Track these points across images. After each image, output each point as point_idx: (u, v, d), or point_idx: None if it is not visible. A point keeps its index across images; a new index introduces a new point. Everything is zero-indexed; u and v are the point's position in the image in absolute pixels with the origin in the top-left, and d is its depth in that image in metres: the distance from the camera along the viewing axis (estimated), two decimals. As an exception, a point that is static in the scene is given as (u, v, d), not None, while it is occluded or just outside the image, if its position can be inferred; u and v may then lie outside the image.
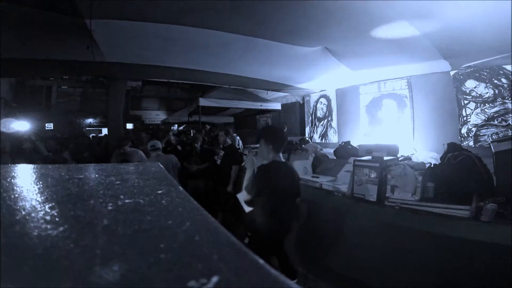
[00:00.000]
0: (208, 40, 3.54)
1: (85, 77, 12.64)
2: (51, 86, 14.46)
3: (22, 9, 2.65)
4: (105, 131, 10.17)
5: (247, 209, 2.18)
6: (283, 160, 2.05)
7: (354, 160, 2.38)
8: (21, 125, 3.88)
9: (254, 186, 1.89)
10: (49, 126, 13.27)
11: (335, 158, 3.67)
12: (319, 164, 3.30)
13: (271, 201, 1.89)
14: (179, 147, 4.44)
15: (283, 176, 1.94)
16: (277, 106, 7.91)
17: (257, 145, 2.10)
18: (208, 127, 7.42)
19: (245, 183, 2.02)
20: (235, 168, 3.33)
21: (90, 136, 9.42)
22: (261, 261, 0.26)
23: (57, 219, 0.35)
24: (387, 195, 2.09)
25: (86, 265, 0.24)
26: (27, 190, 0.49)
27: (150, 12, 2.86)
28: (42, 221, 0.34)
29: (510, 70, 3.61)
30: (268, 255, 2.01)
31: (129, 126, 14.07)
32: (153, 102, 17.27)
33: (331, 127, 6.52)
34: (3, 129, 3.44)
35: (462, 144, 3.69)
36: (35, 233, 0.30)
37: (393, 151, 2.72)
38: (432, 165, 2.18)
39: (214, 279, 0.22)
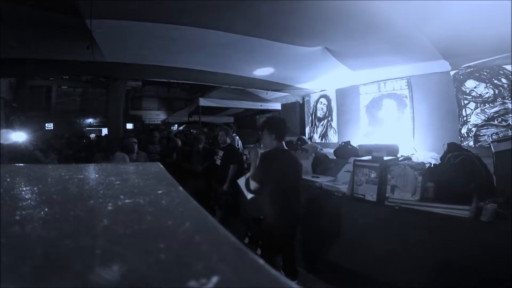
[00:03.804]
0: (208, 40, 3.54)
1: (85, 77, 12.65)
2: (51, 86, 14.47)
3: (22, 9, 2.65)
4: (105, 131, 10.17)
5: (249, 196, 2.20)
6: (285, 147, 2.09)
7: (354, 160, 2.38)
8: (19, 136, 3.82)
9: (260, 172, 1.93)
10: (49, 126, 13.28)
11: (335, 158, 3.67)
12: (319, 164, 3.30)
13: (278, 186, 1.92)
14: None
15: (286, 161, 2.01)
16: (277, 106, 7.91)
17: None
18: (206, 130, 7.39)
19: (250, 172, 2.05)
20: (233, 168, 3.33)
21: (91, 136, 9.42)
22: (261, 261, 0.26)
23: (57, 219, 0.35)
24: (387, 195, 2.09)
25: (86, 265, 0.24)
26: (27, 190, 0.49)
27: (150, 12, 2.86)
28: (42, 221, 0.34)
29: (510, 70, 3.61)
30: (279, 248, 2.03)
31: (129, 126, 14.08)
32: (153, 102, 17.29)
33: (331, 127, 6.51)
34: (2, 141, 3.40)
35: (462, 144, 3.68)
36: (35, 233, 0.30)
37: (393, 151, 2.71)
38: (432, 165, 2.18)
39: (214, 279, 0.22)
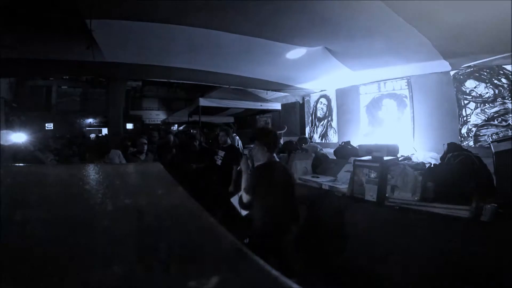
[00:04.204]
0: (208, 40, 3.54)
1: (85, 77, 12.65)
2: (51, 86, 14.48)
3: (22, 9, 2.65)
4: (105, 131, 10.17)
5: (243, 212, 2.19)
6: (277, 160, 2.08)
7: (354, 160, 2.38)
8: (19, 137, 3.81)
9: (253, 186, 1.91)
10: (49, 126, 13.30)
11: (335, 158, 3.66)
12: (319, 164, 3.30)
13: (270, 200, 1.90)
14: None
15: (280, 175, 1.98)
16: (277, 106, 7.89)
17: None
18: (205, 130, 7.39)
19: (243, 185, 2.03)
20: (236, 168, 3.33)
21: (91, 136, 9.42)
22: (261, 261, 0.26)
23: (57, 219, 0.35)
24: (387, 195, 2.09)
25: (86, 265, 0.24)
26: (27, 190, 0.49)
27: (150, 12, 2.86)
28: (42, 221, 0.34)
29: (510, 70, 3.61)
30: (267, 256, 2.01)
31: (129, 126, 14.10)
32: (153, 102, 17.31)
33: (331, 127, 6.51)
34: (2, 142, 3.39)
35: (462, 144, 3.68)
36: (35, 233, 0.30)
37: (393, 151, 2.71)
38: (432, 165, 2.18)
39: (214, 279, 0.22)
